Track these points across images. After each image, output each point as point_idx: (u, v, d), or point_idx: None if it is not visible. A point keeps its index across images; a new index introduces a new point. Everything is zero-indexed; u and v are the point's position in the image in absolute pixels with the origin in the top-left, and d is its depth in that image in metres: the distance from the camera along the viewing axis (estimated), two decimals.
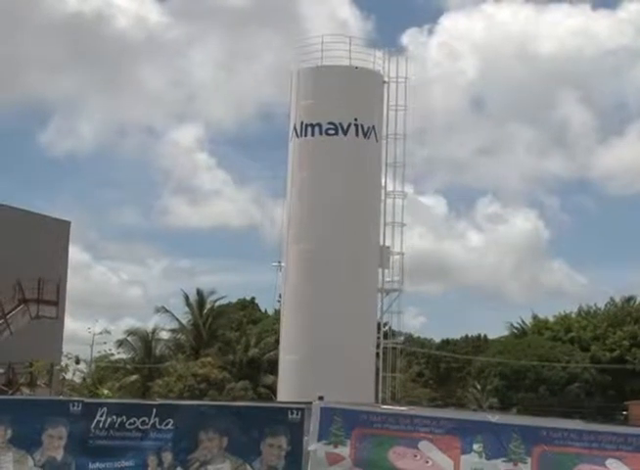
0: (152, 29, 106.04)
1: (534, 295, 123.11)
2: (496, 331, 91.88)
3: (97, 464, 14.01)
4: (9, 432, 14.29)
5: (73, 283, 64.31)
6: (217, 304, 73.60)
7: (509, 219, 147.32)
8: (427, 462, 11.63)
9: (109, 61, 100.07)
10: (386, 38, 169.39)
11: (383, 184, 41.43)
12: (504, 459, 11.00)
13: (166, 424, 14.12)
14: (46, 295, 50.22)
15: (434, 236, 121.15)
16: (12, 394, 24.37)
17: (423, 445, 11.72)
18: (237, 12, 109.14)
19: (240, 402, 23.75)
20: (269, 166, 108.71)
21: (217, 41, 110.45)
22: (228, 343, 70.43)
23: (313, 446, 13.40)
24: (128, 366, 71.19)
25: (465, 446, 11.33)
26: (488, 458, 11.13)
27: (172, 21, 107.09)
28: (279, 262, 41.26)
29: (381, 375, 40.18)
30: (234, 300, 78.23)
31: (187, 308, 72.38)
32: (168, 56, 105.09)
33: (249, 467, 13.64)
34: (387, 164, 41.55)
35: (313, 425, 13.53)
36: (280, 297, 44.66)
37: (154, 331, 73.40)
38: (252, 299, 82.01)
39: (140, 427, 14.12)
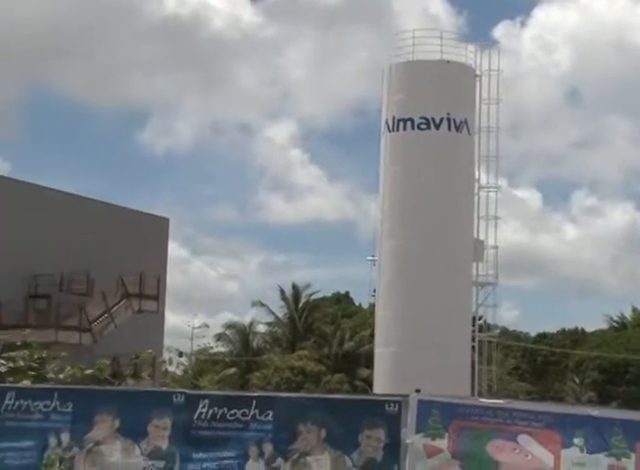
0: (246, 30, 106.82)
1: (633, 288, 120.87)
2: (594, 324, 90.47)
3: (200, 454, 14.12)
4: (116, 422, 14.46)
5: (173, 278, 65.16)
6: (312, 297, 73.91)
7: (606, 212, 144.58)
8: (526, 456, 11.44)
9: (205, 61, 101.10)
10: (478, 32, 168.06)
11: (476, 178, 41.11)
12: (606, 454, 10.77)
13: (266, 416, 14.18)
14: (147, 289, 50.87)
15: (528, 229, 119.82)
16: (117, 385, 24.60)
17: (522, 438, 11.53)
18: (329, 10, 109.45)
19: (337, 395, 23.71)
20: (362, 162, 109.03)
21: (310, 39, 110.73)
22: (323, 336, 70.59)
23: (411, 439, 13.35)
24: (227, 359, 71.79)
25: (565, 441, 11.11)
26: (590, 453, 10.91)
27: (266, 21, 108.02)
28: (373, 257, 41.23)
29: (477, 368, 39.92)
30: (329, 294, 78.51)
31: (283, 302, 72.80)
32: (262, 55, 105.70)
33: (347, 458, 13.64)
34: (480, 158, 41.24)
35: (411, 418, 13.46)
36: (374, 291, 44.63)
37: (251, 325, 73.95)
38: (347, 293, 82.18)
39: (241, 418, 14.19)
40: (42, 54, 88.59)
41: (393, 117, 39.98)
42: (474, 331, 40.09)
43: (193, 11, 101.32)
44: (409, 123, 39.45)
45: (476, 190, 40.86)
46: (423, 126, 39.20)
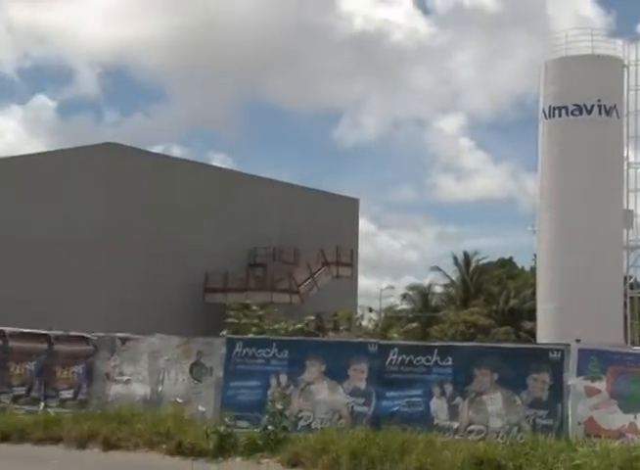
0: (421, 39, 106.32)
1: None
2: None
3: (392, 393, 14.32)
4: (323, 367, 14.83)
5: (363, 249, 65.66)
6: (480, 262, 73.23)
7: None
8: None
9: (387, 68, 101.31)
10: (624, 28, 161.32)
11: (625, 156, 39.96)
12: None
13: (446, 361, 14.27)
14: (343, 259, 51.55)
15: None
16: (321, 337, 24.98)
17: None
18: (491, 17, 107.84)
19: (509, 344, 23.47)
20: (522, 146, 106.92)
21: (476, 44, 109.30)
22: (491, 295, 69.91)
23: (573, 381, 13.22)
24: (410, 315, 71.86)
25: None
26: None
27: (438, 30, 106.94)
28: (533, 227, 40.77)
29: (629, 321, 39.14)
30: (494, 259, 77.27)
31: (456, 267, 72.39)
32: (435, 60, 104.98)
33: (517, 397, 13.60)
34: (628, 139, 40.08)
35: (572, 363, 13.32)
36: (535, 256, 44.54)
37: (429, 286, 74.00)
38: (510, 258, 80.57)
39: (425, 364, 14.33)
40: (257, 68, 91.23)
41: (550, 106, 39.34)
42: (625, 289, 39.22)
43: (377, 27, 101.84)
44: (564, 110, 38.79)
45: (625, 167, 39.78)
46: (576, 112, 38.46)
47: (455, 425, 13.77)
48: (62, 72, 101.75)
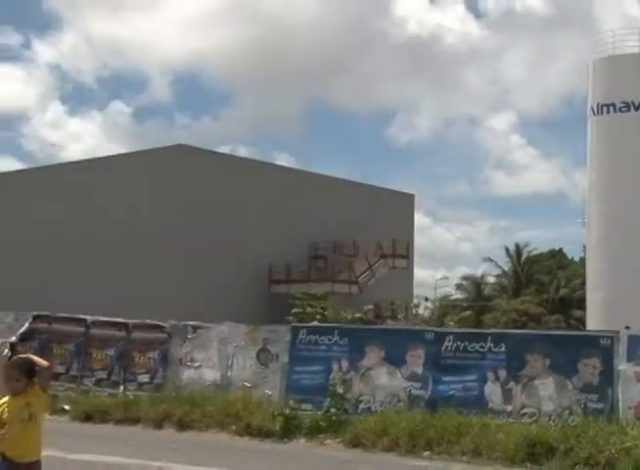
0: (473, 42, 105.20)
1: None
2: None
3: (448, 378, 14.27)
4: (382, 352, 14.85)
5: (419, 241, 65.39)
6: (531, 254, 72.32)
7: None
8: None
9: (440, 69, 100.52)
10: None
11: None
12: None
13: (499, 348, 14.18)
14: (399, 251, 51.37)
15: None
16: (379, 325, 24.99)
17: None
18: (541, 19, 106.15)
19: (560, 331, 23.19)
20: (571, 142, 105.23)
21: (525, 45, 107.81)
22: (542, 284, 69.04)
23: (623, 367, 13.07)
24: (463, 304, 71.33)
25: None
26: None
27: (489, 33, 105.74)
28: (583, 219, 40.26)
29: None
30: (545, 250, 76.25)
31: (507, 258, 71.52)
32: (487, 61, 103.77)
33: (568, 382, 13.47)
34: None
35: (622, 349, 13.18)
36: (584, 247, 43.99)
37: (482, 277, 73.29)
38: (560, 249, 79.42)
39: (479, 350, 14.25)
40: (318, 72, 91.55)
41: (598, 104, 38.72)
42: None
43: (430, 31, 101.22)
44: (611, 107, 38.14)
45: None
46: (623, 109, 37.80)
47: (509, 408, 13.68)
48: (137, 81, 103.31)
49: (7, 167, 65.46)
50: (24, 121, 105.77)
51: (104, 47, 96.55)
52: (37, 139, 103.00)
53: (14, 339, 19.80)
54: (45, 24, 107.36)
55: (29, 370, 5.96)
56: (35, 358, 6.09)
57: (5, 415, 5.95)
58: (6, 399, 6.02)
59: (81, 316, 19.14)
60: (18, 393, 5.97)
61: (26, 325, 19.78)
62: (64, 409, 16.93)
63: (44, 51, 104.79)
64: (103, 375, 18.05)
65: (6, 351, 20.20)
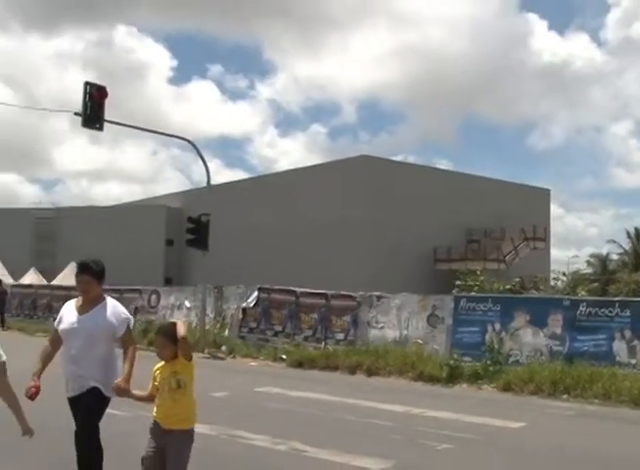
0: (597, 65, 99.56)
1: None
2: None
3: (582, 337, 13.78)
4: (527, 316, 14.53)
5: (554, 227, 62.89)
6: None
7: None
8: None
9: (570, 88, 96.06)
10: None
11: None
12: None
13: (625, 313, 13.57)
14: (538, 235, 49.85)
15: None
16: (525, 294, 24.23)
17: None
18: None
19: None
20: None
21: None
22: None
23: None
24: (591, 278, 67.98)
25: None
26: None
27: (610, 58, 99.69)
28: None
29: None
30: None
31: (628, 240, 67.65)
32: (609, 80, 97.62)
33: None
34: None
35: None
36: None
37: (607, 255, 69.66)
38: None
39: (607, 314, 13.70)
40: (471, 93, 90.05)
41: None
42: None
43: (561, 58, 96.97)
44: None
45: None
46: None
47: (633, 362, 13.04)
48: (331, 108, 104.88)
49: (238, 177, 68.51)
50: (249, 143, 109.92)
51: (306, 83, 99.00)
52: (258, 156, 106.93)
53: (244, 305, 20.70)
54: (264, 70, 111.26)
55: (174, 337, 4.67)
56: (178, 325, 4.72)
57: (156, 382, 4.83)
58: (161, 364, 4.87)
59: (292, 288, 19.77)
60: (166, 360, 4.79)
61: (254, 295, 20.61)
62: (282, 358, 17.53)
63: (264, 90, 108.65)
64: (309, 333, 18.58)
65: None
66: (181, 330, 4.67)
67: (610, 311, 13.70)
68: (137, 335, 21.82)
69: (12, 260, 41.91)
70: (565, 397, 12.27)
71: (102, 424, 5.35)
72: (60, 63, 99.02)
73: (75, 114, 18.35)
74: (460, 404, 11.33)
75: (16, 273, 39.42)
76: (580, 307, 13.96)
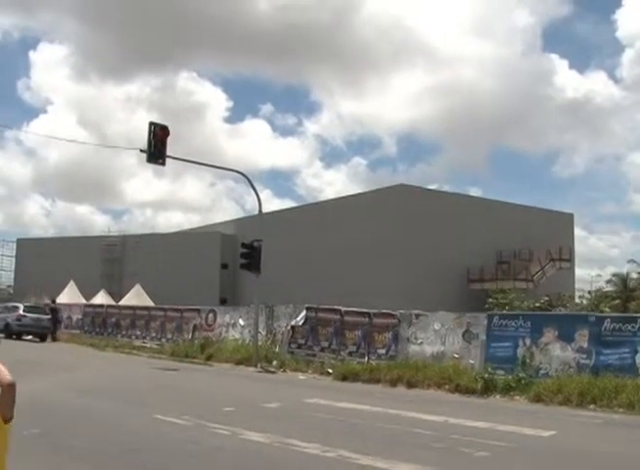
0: (615, 100, 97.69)
1: None
2: None
3: (607, 350, 13.54)
4: (556, 332, 14.31)
5: (578, 248, 61.68)
6: None
7: None
8: None
9: (591, 121, 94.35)
10: None
11: None
12: None
13: None
14: (563, 256, 49.04)
15: None
16: (553, 311, 23.91)
17: None
18: None
19: None
20: None
21: None
22: None
23: None
24: (613, 295, 66.46)
25: None
26: None
27: (627, 93, 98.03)
28: None
29: None
30: None
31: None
32: (627, 113, 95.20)
33: None
34: None
35: None
36: None
37: (627, 274, 67.94)
38: None
39: (630, 329, 13.48)
40: (500, 126, 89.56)
41: None
42: None
43: (583, 93, 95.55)
44: None
45: None
46: None
47: None
48: (372, 141, 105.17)
49: (286, 206, 69.12)
50: (297, 174, 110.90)
51: (349, 120, 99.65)
52: (305, 186, 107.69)
53: (293, 323, 20.76)
54: (311, 109, 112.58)
55: None
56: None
57: None
58: None
59: (337, 307, 19.79)
60: None
61: (303, 313, 20.67)
62: (328, 372, 17.53)
63: (311, 126, 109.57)
64: (353, 348, 18.53)
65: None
66: (6, 375, 2.82)
67: (632, 327, 13.48)
68: (196, 350, 22.13)
69: (84, 283, 42.90)
70: (592, 406, 12.06)
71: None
72: (129, 106, 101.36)
73: (141, 150, 18.80)
74: (494, 414, 11.20)
75: (87, 294, 40.31)
76: (605, 323, 13.73)
